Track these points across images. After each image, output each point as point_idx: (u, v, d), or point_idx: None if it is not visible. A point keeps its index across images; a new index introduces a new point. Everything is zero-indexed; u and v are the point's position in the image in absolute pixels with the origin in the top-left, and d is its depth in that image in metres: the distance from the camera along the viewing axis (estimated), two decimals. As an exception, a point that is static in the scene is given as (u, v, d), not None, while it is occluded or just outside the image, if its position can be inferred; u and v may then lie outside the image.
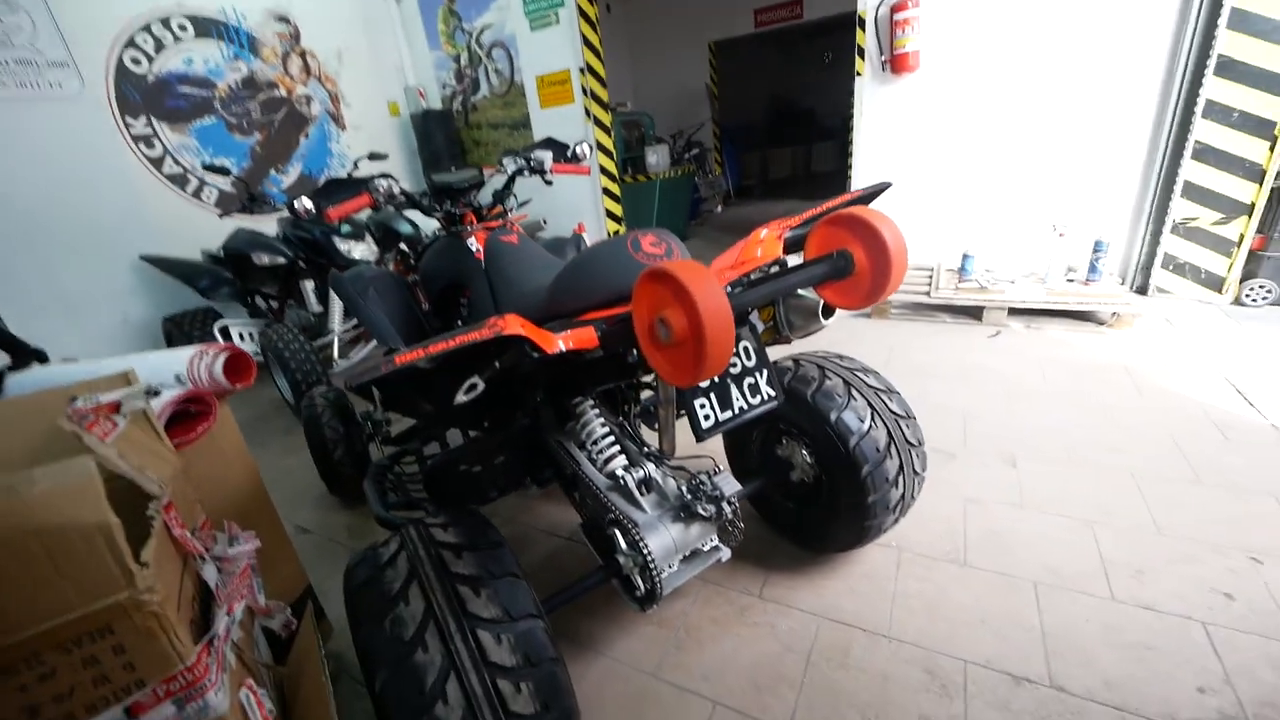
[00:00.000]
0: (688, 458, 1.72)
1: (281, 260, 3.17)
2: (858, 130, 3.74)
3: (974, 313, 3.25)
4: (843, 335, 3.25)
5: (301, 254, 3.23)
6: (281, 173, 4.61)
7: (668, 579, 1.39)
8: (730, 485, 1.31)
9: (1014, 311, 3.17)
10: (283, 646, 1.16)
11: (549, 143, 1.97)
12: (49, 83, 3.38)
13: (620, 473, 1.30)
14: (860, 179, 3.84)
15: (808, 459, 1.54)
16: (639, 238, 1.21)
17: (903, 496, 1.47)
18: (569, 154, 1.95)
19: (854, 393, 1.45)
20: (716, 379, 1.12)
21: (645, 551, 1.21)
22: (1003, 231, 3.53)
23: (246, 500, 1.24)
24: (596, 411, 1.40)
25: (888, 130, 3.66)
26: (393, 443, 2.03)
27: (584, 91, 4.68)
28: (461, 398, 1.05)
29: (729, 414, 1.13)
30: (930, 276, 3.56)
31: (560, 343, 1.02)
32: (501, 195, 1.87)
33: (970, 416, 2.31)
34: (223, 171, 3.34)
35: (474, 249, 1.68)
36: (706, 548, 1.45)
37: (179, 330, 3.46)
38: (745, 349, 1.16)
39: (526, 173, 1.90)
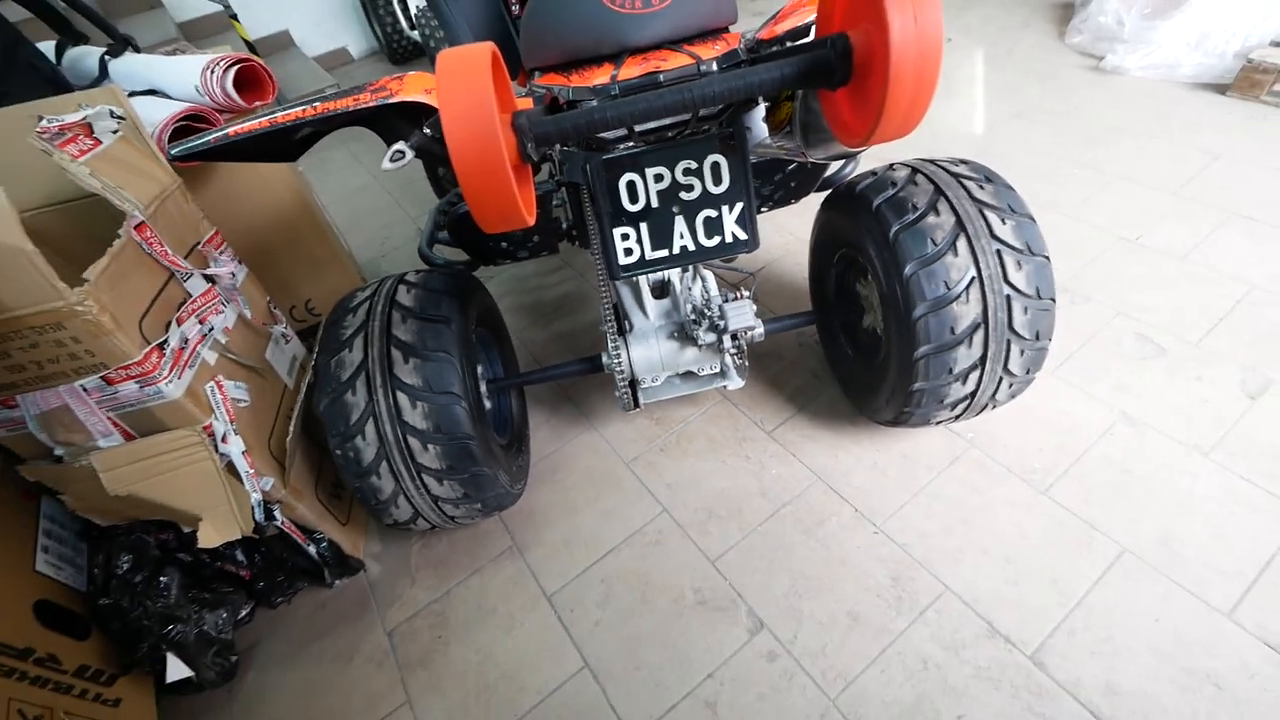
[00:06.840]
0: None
1: None
2: None
3: None
4: (1143, 112, 2.11)
5: None
6: None
7: (648, 391, 1.31)
8: (741, 317, 1.11)
9: None
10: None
11: None
12: None
13: None
14: None
15: (878, 307, 1.19)
16: None
17: (972, 395, 1.10)
18: None
19: (960, 243, 0.99)
20: (653, 201, 0.80)
21: (621, 361, 1.17)
22: None
23: (290, 212, 1.37)
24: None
25: None
26: None
27: None
28: (388, 165, 0.93)
29: (662, 253, 0.85)
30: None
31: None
32: None
33: (1253, 301, 1.48)
34: None
35: None
36: (704, 372, 1.31)
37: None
38: (715, 166, 0.79)
39: None
